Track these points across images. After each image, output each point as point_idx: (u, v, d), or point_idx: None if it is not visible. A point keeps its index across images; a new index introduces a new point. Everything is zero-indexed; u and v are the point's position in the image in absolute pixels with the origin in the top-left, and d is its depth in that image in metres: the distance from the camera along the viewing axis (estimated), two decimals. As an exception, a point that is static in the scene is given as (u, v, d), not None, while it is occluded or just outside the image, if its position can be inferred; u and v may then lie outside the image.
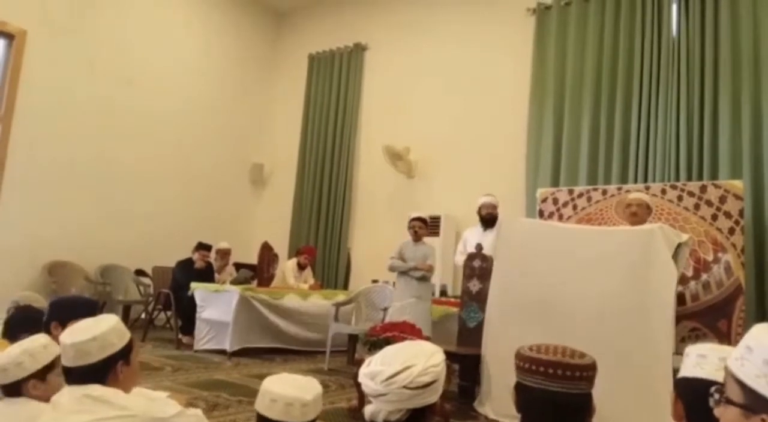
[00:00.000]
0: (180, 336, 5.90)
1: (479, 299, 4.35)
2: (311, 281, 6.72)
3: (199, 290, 5.66)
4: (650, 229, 3.48)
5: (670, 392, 1.39)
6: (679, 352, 2.60)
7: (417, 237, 4.96)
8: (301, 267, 6.70)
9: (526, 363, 1.42)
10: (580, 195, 5.26)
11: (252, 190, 8.82)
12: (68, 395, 1.55)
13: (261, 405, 1.49)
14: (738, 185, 4.60)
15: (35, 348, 1.81)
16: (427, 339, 3.78)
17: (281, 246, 7.38)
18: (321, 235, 7.91)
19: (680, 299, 4.18)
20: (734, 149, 5.09)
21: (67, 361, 1.59)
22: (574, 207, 5.24)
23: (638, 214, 4.00)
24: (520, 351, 1.47)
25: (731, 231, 4.50)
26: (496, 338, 3.77)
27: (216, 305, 5.49)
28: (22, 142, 6.18)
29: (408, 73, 7.56)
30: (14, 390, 1.80)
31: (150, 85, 7.38)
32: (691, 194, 4.71)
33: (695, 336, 4.33)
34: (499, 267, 3.96)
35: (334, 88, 8.20)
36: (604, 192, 5.16)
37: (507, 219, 4.30)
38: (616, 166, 5.69)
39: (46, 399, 1.73)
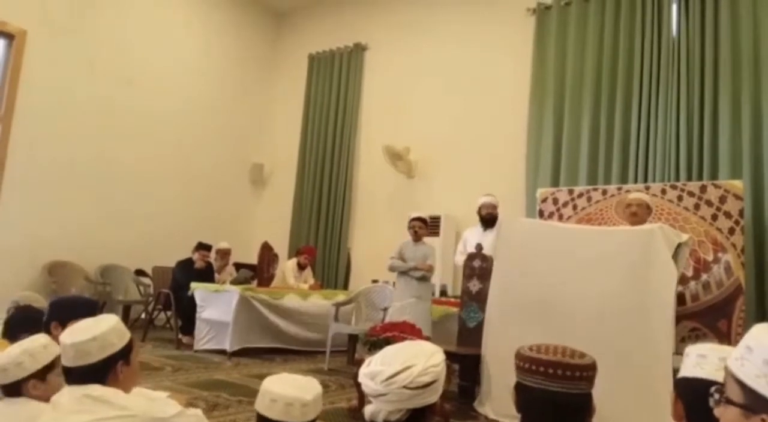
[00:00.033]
0: (180, 336, 5.90)
1: (479, 299, 4.35)
2: (311, 281, 6.72)
3: (199, 290, 5.66)
4: (650, 229, 3.48)
5: (670, 392, 1.39)
6: (679, 352, 2.60)
7: (417, 237, 4.96)
8: (301, 267, 6.70)
9: (526, 363, 1.42)
10: (580, 195, 5.26)
11: (252, 190, 8.82)
12: (68, 395, 1.55)
13: (261, 405, 1.49)
14: (738, 185, 4.60)
15: (35, 348, 1.81)
16: (427, 339, 3.78)
17: (281, 246, 7.38)
18: (321, 235, 7.91)
19: (680, 299, 4.18)
20: (734, 149, 5.09)
21: (67, 361, 1.59)
22: (574, 207, 5.24)
23: (638, 214, 4.00)
24: (520, 351, 1.47)
25: (731, 231, 4.50)
26: (496, 338, 3.77)
27: (216, 305, 5.49)
28: (22, 142, 6.18)
29: (408, 73, 7.56)
30: (14, 390, 1.80)
31: (150, 85, 7.39)
32: (691, 194, 4.71)
33: (695, 336, 4.33)
34: (499, 267, 3.96)
35: (334, 88, 8.20)
36: (604, 192, 5.16)
37: (507, 219, 4.30)
38: (616, 165, 5.69)
39: (46, 399, 1.73)
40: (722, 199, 4.56)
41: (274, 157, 8.73)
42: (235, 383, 4.24)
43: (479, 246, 4.56)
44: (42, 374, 1.80)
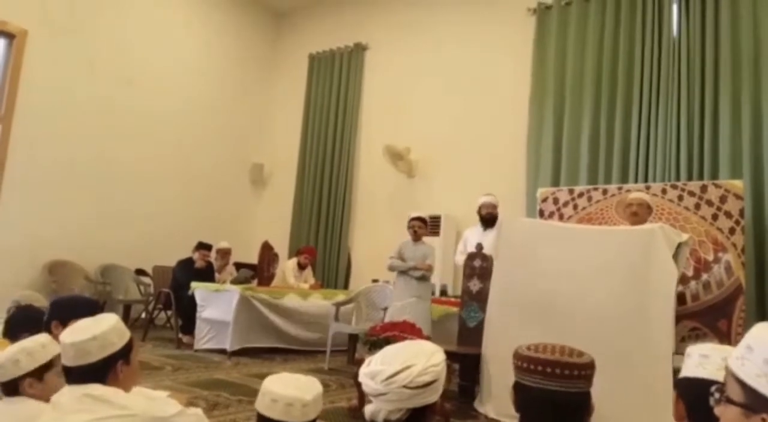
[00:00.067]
0: (180, 335, 5.90)
1: (479, 299, 4.35)
2: (311, 281, 6.72)
3: (199, 290, 5.66)
4: (651, 229, 3.48)
5: (672, 392, 1.39)
6: (679, 352, 2.61)
7: (416, 237, 4.97)
8: (301, 266, 6.70)
9: (525, 363, 1.42)
10: (581, 194, 5.26)
11: (252, 190, 8.82)
12: (68, 394, 1.55)
13: (261, 405, 1.49)
14: (738, 185, 4.60)
15: (33, 347, 1.81)
16: (428, 338, 3.78)
17: (281, 246, 7.38)
18: (321, 235, 7.91)
19: (680, 299, 4.18)
20: (734, 149, 5.09)
21: (67, 361, 1.59)
22: (575, 206, 5.24)
23: (639, 214, 4.00)
24: (518, 351, 1.46)
25: (731, 231, 4.50)
26: (497, 337, 3.77)
27: (216, 305, 5.49)
28: (22, 142, 6.18)
29: (408, 73, 7.56)
30: (12, 388, 1.80)
31: (150, 85, 7.39)
32: (691, 194, 4.71)
33: (695, 336, 4.33)
34: (499, 267, 3.96)
35: (334, 88, 8.20)
36: (605, 191, 5.16)
37: (507, 218, 4.30)
38: (616, 165, 5.69)
39: (43, 398, 1.73)
40: (723, 199, 4.56)
41: (274, 157, 8.73)
42: (235, 382, 4.24)
43: (479, 246, 4.55)
44: (39, 373, 1.80)
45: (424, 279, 4.84)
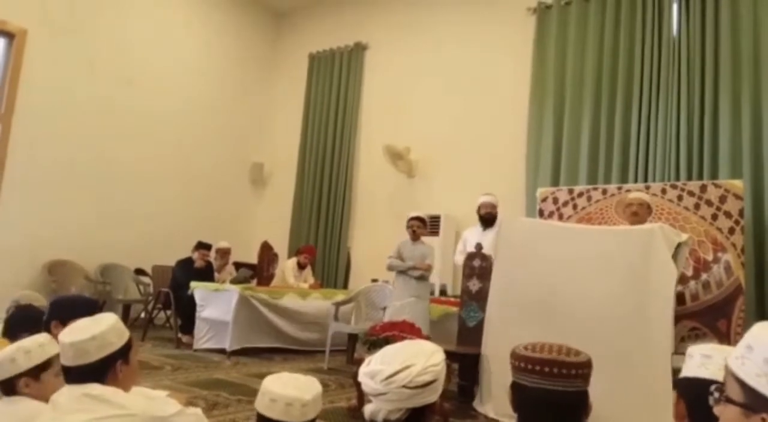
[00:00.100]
0: (180, 335, 5.90)
1: (479, 298, 4.35)
2: (311, 280, 6.72)
3: (198, 289, 5.66)
4: (650, 229, 3.48)
5: (672, 392, 1.39)
6: (678, 352, 2.61)
7: (415, 237, 4.97)
8: (300, 266, 6.70)
9: (522, 362, 1.42)
10: (580, 194, 5.25)
11: (252, 190, 8.82)
12: (67, 394, 1.55)
13: (261, 405, 1.49)
14: (738, 185, 4.60)
15: (31, 346, 1.81)
16: (427, 338, 3.78)
17: (281, 246, 7.38)
18: (321, 235, 7.91)
19: (680, 299, 4.18)
20: (734, 149, 5.09)
21: (66, 360, 1.59)
22: (575, 206, 5.24)
23: (639, 214, 4.00)
24: (516, 351, 1.46)
25: (731, 230, 4.49)
26: (496, 337, 3.76)
27: (216, 304, 5.49)
28: (22, 142, 6.18)
29: (408, 73, 7.55)
30: (9, 387, 1.79)
31: (150, 85, 7.38)
32: (691, 194, 4.71)
33: (695, 336, 4.33)
34: (499, 267, 3.95)
35: (334, 87, 8.20)
36: (605, 191, 5.16)
37: (507, 218, 4.30)
38: (616, 165, 5.69)
39: (40, 398, 1.72)
40: (722, 199, 4.56)
41: (274, 157, 8.73)
42: (234, 382, 4.24)
43: (479, 246, 4.55)
44: (35, 372, 1.79)
45: (422, 278, 4.84)
